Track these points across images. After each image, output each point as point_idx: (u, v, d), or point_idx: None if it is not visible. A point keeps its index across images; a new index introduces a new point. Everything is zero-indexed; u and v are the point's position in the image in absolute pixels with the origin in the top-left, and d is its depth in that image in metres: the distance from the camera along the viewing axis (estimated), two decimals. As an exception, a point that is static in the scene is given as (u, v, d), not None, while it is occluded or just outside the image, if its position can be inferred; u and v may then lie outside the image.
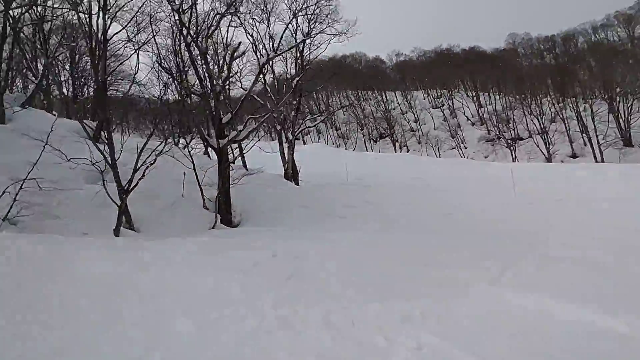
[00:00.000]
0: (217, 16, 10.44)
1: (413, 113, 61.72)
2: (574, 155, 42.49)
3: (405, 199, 16.11)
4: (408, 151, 56.50)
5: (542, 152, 41.77)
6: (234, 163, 11.18)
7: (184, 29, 9.86)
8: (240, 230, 9.53)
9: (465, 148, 51.70)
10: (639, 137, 39.55)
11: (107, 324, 3.27)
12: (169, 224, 10.11)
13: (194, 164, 10.96)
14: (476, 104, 57.10)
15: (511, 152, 42.51)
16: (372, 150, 57.76)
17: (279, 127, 17.41)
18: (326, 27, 17.34)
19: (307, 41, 17.59)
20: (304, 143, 65.37)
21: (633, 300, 3.61)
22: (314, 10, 16.37)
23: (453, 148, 51.48)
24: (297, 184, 18.21)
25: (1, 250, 4.74)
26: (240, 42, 11.37)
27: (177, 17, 9.42)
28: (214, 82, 10.36)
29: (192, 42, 10.17)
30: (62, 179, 8.81)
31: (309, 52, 17.78)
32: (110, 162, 8.80)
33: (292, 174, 18.29)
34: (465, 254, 5.89)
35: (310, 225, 10.62)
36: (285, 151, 17.28)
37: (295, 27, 15.78)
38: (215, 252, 5.90)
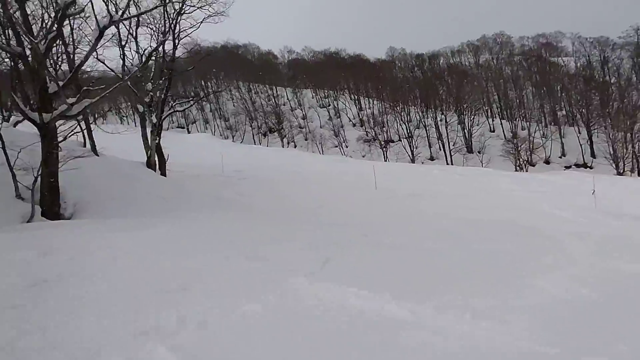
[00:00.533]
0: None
1: (302, 110, 63.24)
2: (431, 158, 49.52)
3: (276, 192, 16.04)
4: (295, 147, 57.63)
5: (408, 154, 47.50)
6: (59, 142, 9.13)
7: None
8: (55, 224, 7.79)
9: (347, 147, 55.25)
10: (477, 145, 48.30)
11: None
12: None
13: (3, 142, 8.61)
14: (357, 107, 61.61)
15: (383, 153, 47.12)
16: (261, 144, 57.15)
17: (141, 109, 15.30)
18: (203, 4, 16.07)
19: (180, 17, 15.95)
20: (189, 132, 60.85)
21: (434, 287, 3.85)
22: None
23: (336, 146, 54.44)
24: (163, 173, 16.39)
25: None
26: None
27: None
28: (35, 39, 8.26)
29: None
30: None
31: (179, 29, 16.08)
32: None
33: (158, 163, 16.38)
34: (295, 245, 5.82)
35: (157, 217, 9.42)
36: (149, 136, 15.31)
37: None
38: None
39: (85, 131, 14.41)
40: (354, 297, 3.24)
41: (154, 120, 15.09)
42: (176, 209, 10.43)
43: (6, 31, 10.10)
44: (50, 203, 9.10)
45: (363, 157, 52.39)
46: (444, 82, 57.88)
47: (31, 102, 9.26)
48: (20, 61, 9.14)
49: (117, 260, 4.22)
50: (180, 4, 15.63)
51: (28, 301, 3.04)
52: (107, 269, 3.91)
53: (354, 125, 60.51)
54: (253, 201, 14.32)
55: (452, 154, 46.03)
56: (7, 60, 10.67)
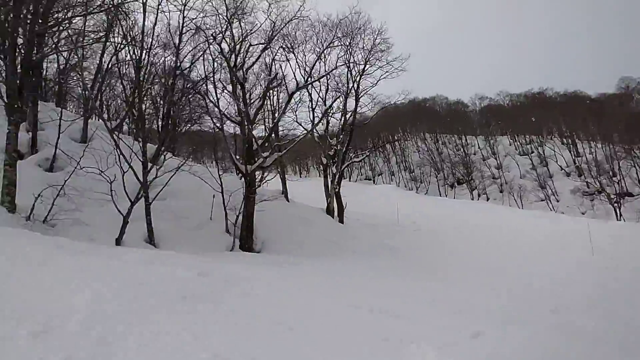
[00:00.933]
0: (259, 49, 11.14)
1: (496, 159, 56.97)
2: None
3: (449, 247, 14.49)
4: (488, 199, 51.74)
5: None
6: (259, 187, 11.27)
7: (228, 61, 10.74)
8: (245, 256, 9.34)
9: (557, 201, 45.38)
10: None
11: None
12: (190, 243, 10.41)
13: (222, 188, 11.38)
14: (572, 152, 50.47)
15: (615, 210, 35.89)
16: (447, 195, 54.22)
17: (325, 161, 17.38)
18: (382, 64, 17.49)
19: (361, 77, 17.81)
20: (374, 183, 64.57)
21: None
22: (370, 46, 16.69)
23: (542, 200, 45.58)
24: (341, 221, 17.61)
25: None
26: (277, 73, 11.91)
27: (219, 50, 10.31)
28: (248, 108, 10.89)
29: (234, 73, 10.94)
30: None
31: (360, 88, 17.80)
32: (141, 180, 9.58)
33: (337, 209, 17.82)
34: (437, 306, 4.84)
35: (325, 260, 9.97)
36: (329, 185, 17.05)
37: (348, 61, 16.10)
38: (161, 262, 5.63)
39: (281, 180, 17.38)
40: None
41: (334, 170, 16.76)
42: (340, 252, 10.89)
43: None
44: (246, 238, 11.16)
45: (583, 214, 41.71)
46: None
47: (237, 156, 11.95)
48: (238, 127, 12.12)
49: (255, 289, 4.61)
50: (363, 65, 17.45)
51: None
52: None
53: (568, 174, 49.58)
54: (421, 253, 13.43)
55: None
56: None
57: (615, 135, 44.75)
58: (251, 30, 11.28)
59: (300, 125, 17.84)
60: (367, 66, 17.57)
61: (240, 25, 11.50)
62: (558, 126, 54.95)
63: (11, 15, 8.56)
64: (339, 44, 15.01)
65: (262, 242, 11.59)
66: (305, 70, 14.45)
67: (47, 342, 2.76)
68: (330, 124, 20.40)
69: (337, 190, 18.01)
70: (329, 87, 17.79)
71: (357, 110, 18.65)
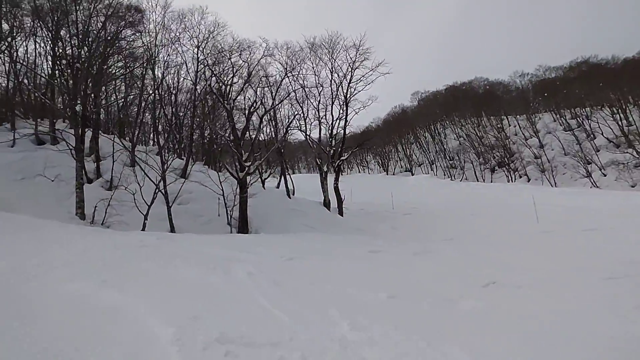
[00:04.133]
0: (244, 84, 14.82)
1: (537, 138, 54.81)
2: None
3: (427, 225, 16.83)
4: (529, 180, 50.31)
5: None
6: (247, 188, 14.95)
7: (220, 98, 14.57)
8: (232, 234, 12.96)
9: (605, 175, 43.04)
10: None
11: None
12: (199, 232, 14.38)
13: (223, 192, 15.21)
14: (621, 122, 47.05)
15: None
16: (484, 180, 53.67)
17: (319, 161, 20.56)
18: (365, 72, 20.29)
19: (347, 87, 20.71)
20: (412, 174, 65.34)
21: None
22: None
23: (586, 176, 43.56)
24: (340, 212, 20.58)
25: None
26: (255, 101, 15.49)
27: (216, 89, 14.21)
28: (236, 130, 14.59)
29: (225, 105, 14.75)
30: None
31: (350, 97, 20.71)
32: (162, 191, 13.73)
33: (337, 202, 20.83)
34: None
35: (300, 234, 13.18)
36: (324, 181, 20.16)
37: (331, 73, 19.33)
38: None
39: (282, 178, 20.96)
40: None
41: (325, 169, 19.89)
42: (308, 231, 14.06)
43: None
44: (242, 228, 14.84)
45: (632, 187, 39.48)
46: None
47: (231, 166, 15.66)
48: (231, 144, 15.85)
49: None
50: (350, 75, 20.41)
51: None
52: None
53: (617, 146, 46.40)
54: (394, 232, 16.02)
55: None
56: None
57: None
58: (235, 70, 15.07)
59: (300, 130, 21.23)
60: (352, 75, 20.53)
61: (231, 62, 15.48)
62: (606, 95, 51.24)
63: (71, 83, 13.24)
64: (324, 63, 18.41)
65: (255, 229, 15.21)
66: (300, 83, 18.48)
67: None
68: (333, 128, 23.42)
69: (335, 185, 21.06)
70: (321, 99, 21.00)
71: (349, 113, 21.55)
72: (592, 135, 49.55)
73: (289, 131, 21.95)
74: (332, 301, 3.92)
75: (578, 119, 53.41)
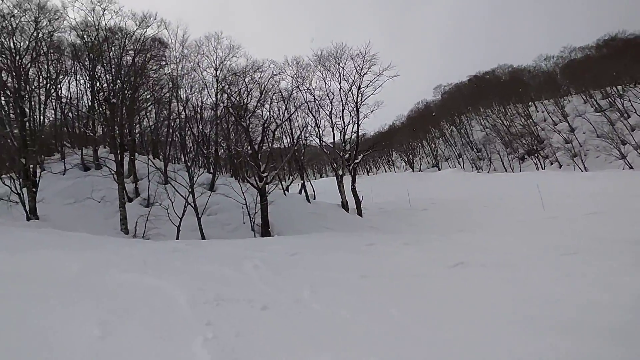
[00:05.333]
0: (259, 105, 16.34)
1: (567, 122, 52.91)
2: None
3: (434, 218, 17.48)
4: (560, 167, 48.70)
5: None
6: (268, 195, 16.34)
7: (236, 116, 16.13)
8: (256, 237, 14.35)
9: (639, 155, 41.05)
10: None
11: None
12: (227, 239, 15.92)
13: (246, 201, 16.69)
14: (657, 98, 44.57)
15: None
16: (513, 170, 52.44)
17: (335, 166, 21.67)
18: (372, 78, 21.29)
19: (357, 94, 21.76)
20: (439, 169, 64.73)
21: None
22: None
23: (620, 158, 41.73)
24: (359, 213, 21.53)
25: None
26: (269, 116, 16.90)
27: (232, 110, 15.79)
28: (255, 146, 16.05)
29: (242, 123, 16.29)
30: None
31: (360, 104, 21.77)
32: (191, 204, 15.40)
33: (355, 203, 21.82)
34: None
35: (314, 234, 14.36)
36: (341, 184, 21.22)
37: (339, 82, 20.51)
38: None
39: (301, 185, 22.24)
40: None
41: (340, 172, 20.96)
42: (326, 231, 15.18)
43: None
44: (264, 232, 16.23)
45: (672, 165, 37.53)
46: None
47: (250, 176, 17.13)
48: (249, 158, 17.31)
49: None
50: (359, 83, 21.49)
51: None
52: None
53: (656, 123, 44.04)
54: (409, 228, 16.82)
55: None
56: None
57: None
58: (250, 90, 16.62)
59: (320, 142, 22.44)
60: (361, 81, 21.59)
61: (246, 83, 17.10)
62: (638, 70, 48.67)
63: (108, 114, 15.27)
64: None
65: (277, 232, 16.56)
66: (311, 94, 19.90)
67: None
68: (345, 133, 24.47)
69: (353, 187, 22.07)
70: (333, 106, 22.17)
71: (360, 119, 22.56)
72: (625, 114, 47.28)
73: (305, 140, 23.29)
74: (311, 281, 5.03)
75: (609, 98, 51.06)
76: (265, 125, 16.48)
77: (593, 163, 44.28)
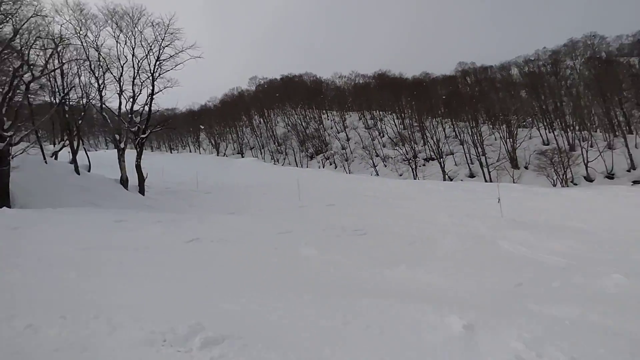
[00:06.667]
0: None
1: (345, 133, 65.52)
2: (471, 175, 46.83)
3: (222, 200, 18.83)
4: (336, 167, 59.82)
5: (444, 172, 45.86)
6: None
7: None
8: None
9: (385, 166, 55.33)
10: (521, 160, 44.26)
11: None
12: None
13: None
14: (399, 126, 61.42)
15: (412, 171, 46.30)
16: (303, 166, 60.74)
17: (117, 137, 19.75)
18: (174, 52, 20.45)
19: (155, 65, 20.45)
20: (242, 156, 67.85)
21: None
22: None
23: (373, 166, 54.96)
24: (141, 191, 20.26)
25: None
26: (22, 65, 13.80)
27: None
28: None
29: None
30: None
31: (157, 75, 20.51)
32: None
33: (138, 180, 20.38)
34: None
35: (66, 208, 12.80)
36: (121, 158, 19.52)
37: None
38: None
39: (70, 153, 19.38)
40: None
41: (122, 146, 19.34)
42: (92, 204, 13.94)
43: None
44: (2, 202, 13.23)
45: (400, 176, 52.04)
46: (493, 94, 54.78)
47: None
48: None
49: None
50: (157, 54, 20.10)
51: None
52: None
53: (396, 144, 60.29)
54: (189, 209, 17.23)
55: (489, 170, 43.19)
56: None
57: (419, 110, 56.23)
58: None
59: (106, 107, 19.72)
60: (160, 52, 20.33)
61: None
62: (391, 102, 65.31)
63: None
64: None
65: (20, 205, 13.80)
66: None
67: None
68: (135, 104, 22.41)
69: (137, 163, 20.58)
70: (123, 71, 19.98)
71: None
72: (381, 134, 62.61)
73: (88, 102, 20.05)
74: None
75: (374, 120, 66.41)
76: (16, 74, 13.16)
77: (356, 168, 56.55)
